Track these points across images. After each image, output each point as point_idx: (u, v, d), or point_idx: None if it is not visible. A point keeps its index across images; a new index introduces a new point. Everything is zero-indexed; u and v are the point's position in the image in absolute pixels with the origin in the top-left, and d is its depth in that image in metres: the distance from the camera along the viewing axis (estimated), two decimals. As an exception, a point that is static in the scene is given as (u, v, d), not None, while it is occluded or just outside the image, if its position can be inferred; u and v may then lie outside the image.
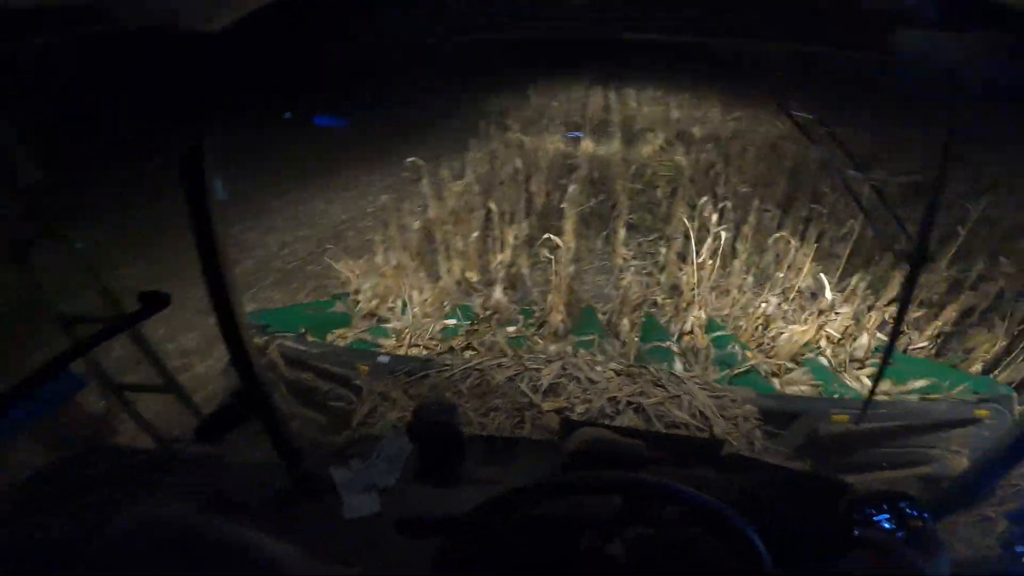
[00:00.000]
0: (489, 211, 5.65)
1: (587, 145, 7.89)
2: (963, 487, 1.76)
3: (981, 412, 3.07)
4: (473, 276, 4.94)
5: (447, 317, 4.26)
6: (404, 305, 4.44)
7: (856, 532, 1.02)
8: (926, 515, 1.02)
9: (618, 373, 3.18)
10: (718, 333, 4.21)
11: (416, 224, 5.46)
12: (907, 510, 1.03)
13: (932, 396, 3.46)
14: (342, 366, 3.42)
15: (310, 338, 3.77)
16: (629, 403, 3.05)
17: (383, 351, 3.67)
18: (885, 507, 1.03)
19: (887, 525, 1.02)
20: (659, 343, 4.08)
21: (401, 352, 3.83)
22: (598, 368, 3.21)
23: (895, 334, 1.99)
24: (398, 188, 7.23)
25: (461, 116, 9.43)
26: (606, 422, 2.94)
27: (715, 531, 0.93)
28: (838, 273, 5.01)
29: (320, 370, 3.46)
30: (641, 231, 6.16)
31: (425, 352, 3.82)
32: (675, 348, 4.01)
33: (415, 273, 4.69)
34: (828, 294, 4.45)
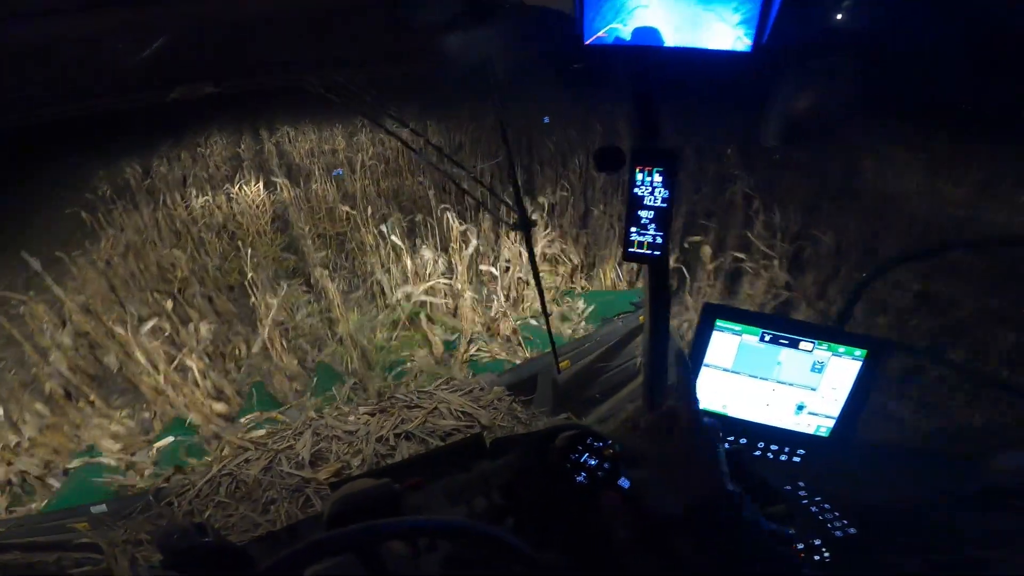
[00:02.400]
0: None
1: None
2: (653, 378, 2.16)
3: (643, 318, 3.95)
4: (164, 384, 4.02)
5: (159, 438, 3.61)
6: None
7: (578, 479, 1.13)
8: (610, 441, 1.17)
9: (372, 413, 3.16)
10: (447, 337, 4.50)
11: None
12: (595, 443, 1.16)
13: (610, 318, 4.30)
14: (54, 532, 2.79)
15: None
16: (397, 435, 3.07)
17: (94, 503, 2.97)
18: (580, 447, 1.16)
19: (592, 462, 1.14)
20: (399, 366, 4.17)
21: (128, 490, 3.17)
22: (351, 418, 3.14)
23: (539, 284, 2.37)
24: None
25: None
26: (385, 463, 2.91)
27: (470, 543, 0.98)
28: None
29: (27, 545, 2.73)
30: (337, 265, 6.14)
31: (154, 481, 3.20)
32: (417, 364, 4.15)
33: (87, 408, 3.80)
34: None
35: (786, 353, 1.46)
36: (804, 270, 4.93)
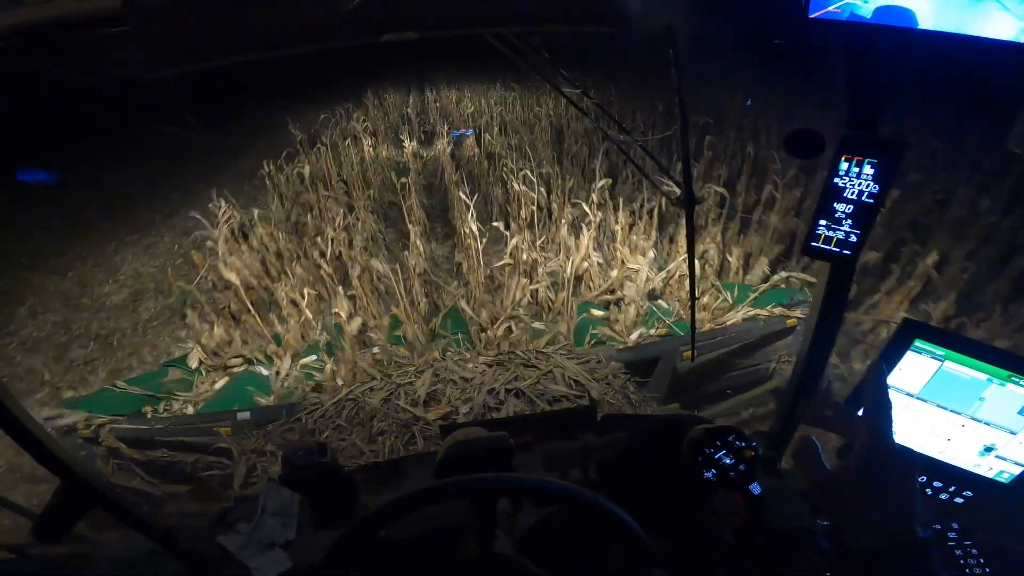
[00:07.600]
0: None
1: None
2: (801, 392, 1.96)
3: (792, 321, 3.60)
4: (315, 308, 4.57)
5: (304, 354, 3.99)
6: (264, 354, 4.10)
7: (706, 474, 1.05)
8: (754, 444, 1.08)
9: (490, 364, 3.22)
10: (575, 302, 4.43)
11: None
12: (737, 443, 1.07)
13: (753, 315, 3.95)
14: (199, 434, 3.12)
15: (150, 413, 3.37)
16: (508, 391, 3.12)
17: (240, 408, 3.37)
18: (719, 443, 1.07)
19: (727, 460, 1.05)
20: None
21: (266, 402, 3.55)
22: (470, 365, 3.23)
23: (692, 268, 2.14)
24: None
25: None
26: (490, 416, 2.98)
27: (581, 512, 0.94)
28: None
29: (174, 444, 3.13)
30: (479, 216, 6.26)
31: (291, 394, 3.57)
32: (540, 326, 4.15)
33: (258, 316, 4.30)
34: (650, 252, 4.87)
35: (994, 389, 1.19)
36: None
